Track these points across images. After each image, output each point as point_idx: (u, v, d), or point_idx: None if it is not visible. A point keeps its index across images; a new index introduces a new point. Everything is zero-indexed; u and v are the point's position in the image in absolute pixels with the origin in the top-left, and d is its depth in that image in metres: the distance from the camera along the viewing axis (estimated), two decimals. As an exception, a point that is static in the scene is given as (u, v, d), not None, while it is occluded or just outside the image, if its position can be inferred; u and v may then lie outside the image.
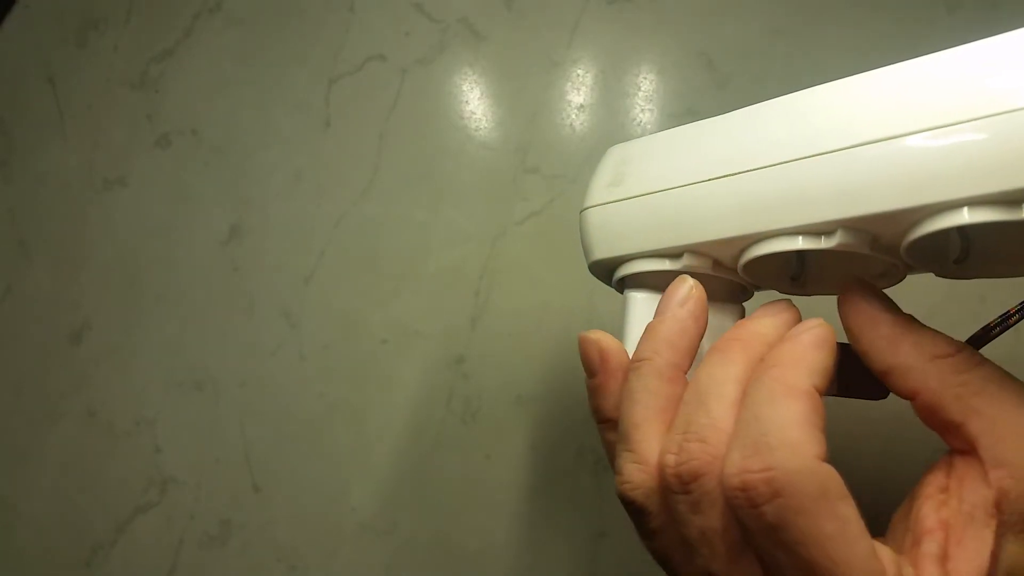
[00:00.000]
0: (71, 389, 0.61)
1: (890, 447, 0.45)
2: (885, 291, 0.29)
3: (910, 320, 0.27)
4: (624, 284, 0.33)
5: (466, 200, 0.58)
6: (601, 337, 0.30)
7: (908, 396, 0.26)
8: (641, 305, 0.32)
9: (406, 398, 0.55)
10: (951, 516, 0.24)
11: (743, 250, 0.29)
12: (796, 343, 0.26)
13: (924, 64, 0.25)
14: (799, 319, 0.29)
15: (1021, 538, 0.24)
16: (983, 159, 0.23)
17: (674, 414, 0.27)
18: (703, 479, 0.24)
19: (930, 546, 0.24)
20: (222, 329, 0.60)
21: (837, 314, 0.28)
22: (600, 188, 0.32)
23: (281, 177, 0.62)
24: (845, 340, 0.28)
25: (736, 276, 0.30)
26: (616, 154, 0.33)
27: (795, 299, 0.31)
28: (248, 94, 0.65)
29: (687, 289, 0.29)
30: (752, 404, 0.24)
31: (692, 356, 0.29)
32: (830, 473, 0.23)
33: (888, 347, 0.26)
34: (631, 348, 0.30)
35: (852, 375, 0.28)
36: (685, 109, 0.57)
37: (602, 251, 0.32)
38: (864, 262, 0.29)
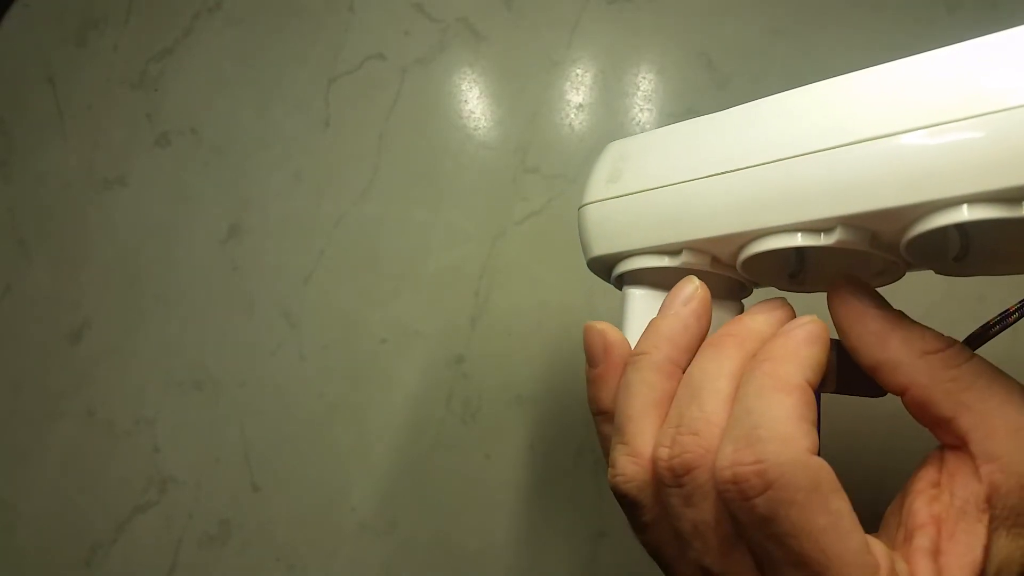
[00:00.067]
0: (71, 389, 0.61)
1: (888, 444, 0.45)
2: (884, 288, 0.29)
3: (899, 316, 0.27)
4: (623, 281, 0.33)
5: (466, 200, 0.58)
6: (607, 328, 0.30)
7: (898, 392, 0.26)
8: (640, 302, 0.32)
9: (406, 398, 0.55)
10: (943, 511, 0.24)
11: (742, 247, 0.29)
12: (789, 338, 0.26)
13: (925, 61, 0.25)
14: (793, 316, 0.29)
15: (1013, 532, 0.24)
16: (983, 156, 0.23)
17: (669, 409, 0.27)
18: (695, 472, 0.24)
19: (922, 540, 0.24)
20: (222, 329, 0.60)
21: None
22: (598, 184, 0.32)
23: (281, 177, 0.62)
24: None
25: (735, 273, 0.30)
26: (614, 150, 0.33)
27: (792, 297, 0.31)
28: (248, 94, 0.65)
29: (692, 289, 0.29)
30: (744, 398, 0.25)
31: (692, 354, 0.29)
32: (822, 466, 0.23)
33: (877, 343, 0.26)
34: (630, 344, 0.30)
35: (850, 372, 0.28)
36: (685, 109, 0.57)
37: (601, 247, 0.32)
38: (863, 259, 0.29)
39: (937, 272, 0.29)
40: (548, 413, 0.53)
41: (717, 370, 0.26)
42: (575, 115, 0.58)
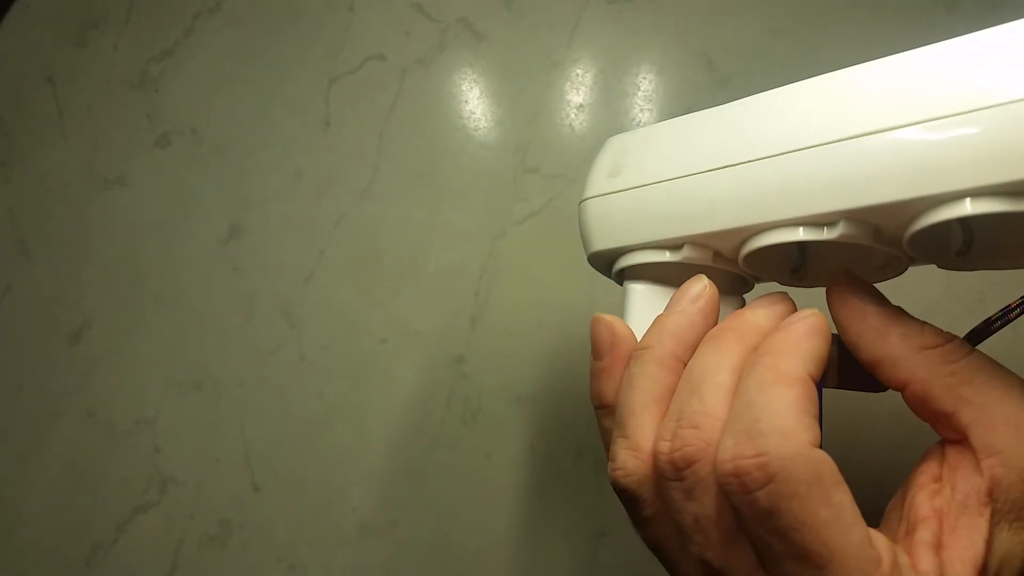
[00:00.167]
0: (71, 389, 0.61)
1: (889, 440, 0.45)
2: (884, 286, 0.29)
3: (898, 311, 0.27)
4: (623, 276, 0.33)
5: (466, 200, 0.58)
6: (615, 321, 0.30)
7: (898, 387, 0.26)
8: (640, 297, 0.32)
9: (406, 398, 0.55)
10: (944, 505, 0.24)
11: (744, 241, 0.28)
12: (790, 332, 0.26)
13: (928, 54, 0.25)
14: (794, 310, 0.29)
15: (1015, 526, 0.24)
16: (986, 150, 0.22)
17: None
18: (697, 465, 0.24)
19: (924, 534, 0.24)
20: (222, 329, 0.60)
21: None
22: (599, 179, 0.32)
23: (281, 177, 0.62)
24: None
25: (736, 268, 0.30)
26: (615, 145, 0.33)
27: (793, 291, 0.31)
28: (248, 94, 0.65)
29: (701, 287, 0.29)
30: (745, 391, 0.25)
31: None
32: (824, 459, 0.23)
33: (876, 338, 0.26)
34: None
35: (851, 368, 0.28)
36: (685, 109, 0.57)
37: (601, 242, 0.32)
38: (865, 254, 0.29)
39: (940, 266, 0.29)
40: (548, 413, 0.52)
41: (718, 364, 0.26)
42: (575, 115, 0.58)
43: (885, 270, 0.30)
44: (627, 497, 0.27)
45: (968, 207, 0.23)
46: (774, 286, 0.32)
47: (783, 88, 0.29)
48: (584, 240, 0.33)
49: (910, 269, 0.30)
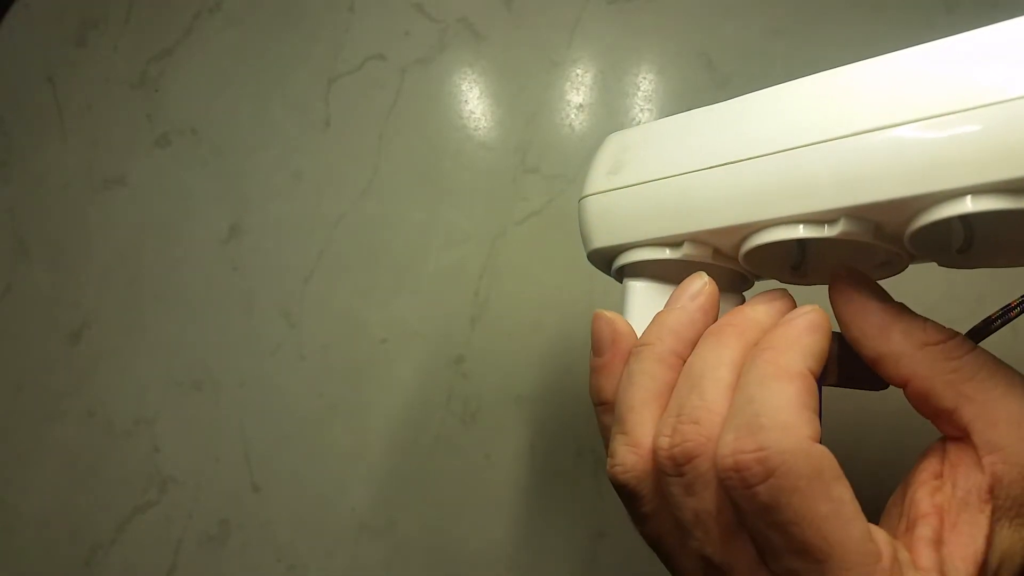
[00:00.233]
0: (71, 389, 0.61)
1: (890, 436, 0.45)
2: (886, 283, 0.29)
3: (900, 308, 0.27)
4: (623, 273, 0.33)
5: (466, 200, 0.58)
6: (616, 318, 0.30)
7: (900, 384, 0.26)
8: (640, 294, 0.32)
9: (405, 398, 0.55)
10: (945, 501, 0.24)
11: (744, 239, 0.28)
12: (790, 327, 0.26)
13: (929, 51, 0.25)
14: (794, 306, 0.29)
15: (1015, 523, 0.24)
16: (987, 147, 0.22)
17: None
18: (697, 461, 0.24)
19: (924, 530, 0.24)
20: (222, 329, 0.60)
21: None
22: (599, 176, 0.32)
23: (281, 177, 0.62)
24: None
25: (737, 265, 0.30)
26: (615, 142, 0.33)
27: (793, 289, 0.31)
28: (248, 94, 0.65)
29: (701, 284, 0.29)
30: (745, 386, 0.24)
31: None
32: (824, 454, 0.23)
33: (878, 335, 0.26)
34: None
35: (852, 365, 0.28)
36: (684, 109, 0.55)
37: (601, 240, 0.32)
38: (866, 251, 0.29)
39: (940, 264, 0.29)
40: (548, 413, 0.52)
41: (717, 359, 0.26)
42: (575, 115, 0.58)
43: (886, 267, 0.30)
44: (626, 493, 0.27)
45: (969, 204, 0.23)
46: (774, 284, 0.32)
47: (783, 85, 0.29)
48: (584, 237, 0.33)
49: (910, 269, 0.29)
